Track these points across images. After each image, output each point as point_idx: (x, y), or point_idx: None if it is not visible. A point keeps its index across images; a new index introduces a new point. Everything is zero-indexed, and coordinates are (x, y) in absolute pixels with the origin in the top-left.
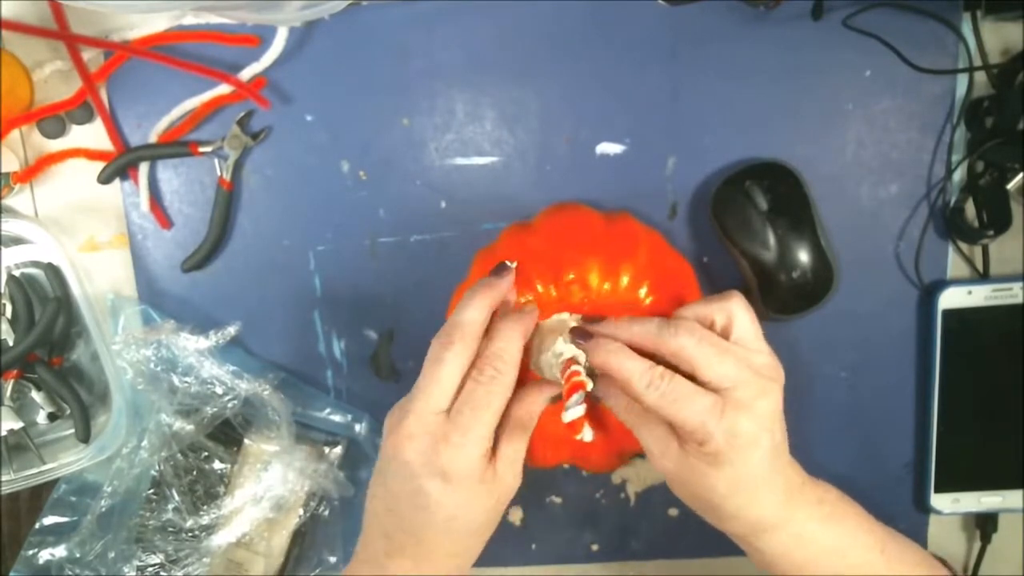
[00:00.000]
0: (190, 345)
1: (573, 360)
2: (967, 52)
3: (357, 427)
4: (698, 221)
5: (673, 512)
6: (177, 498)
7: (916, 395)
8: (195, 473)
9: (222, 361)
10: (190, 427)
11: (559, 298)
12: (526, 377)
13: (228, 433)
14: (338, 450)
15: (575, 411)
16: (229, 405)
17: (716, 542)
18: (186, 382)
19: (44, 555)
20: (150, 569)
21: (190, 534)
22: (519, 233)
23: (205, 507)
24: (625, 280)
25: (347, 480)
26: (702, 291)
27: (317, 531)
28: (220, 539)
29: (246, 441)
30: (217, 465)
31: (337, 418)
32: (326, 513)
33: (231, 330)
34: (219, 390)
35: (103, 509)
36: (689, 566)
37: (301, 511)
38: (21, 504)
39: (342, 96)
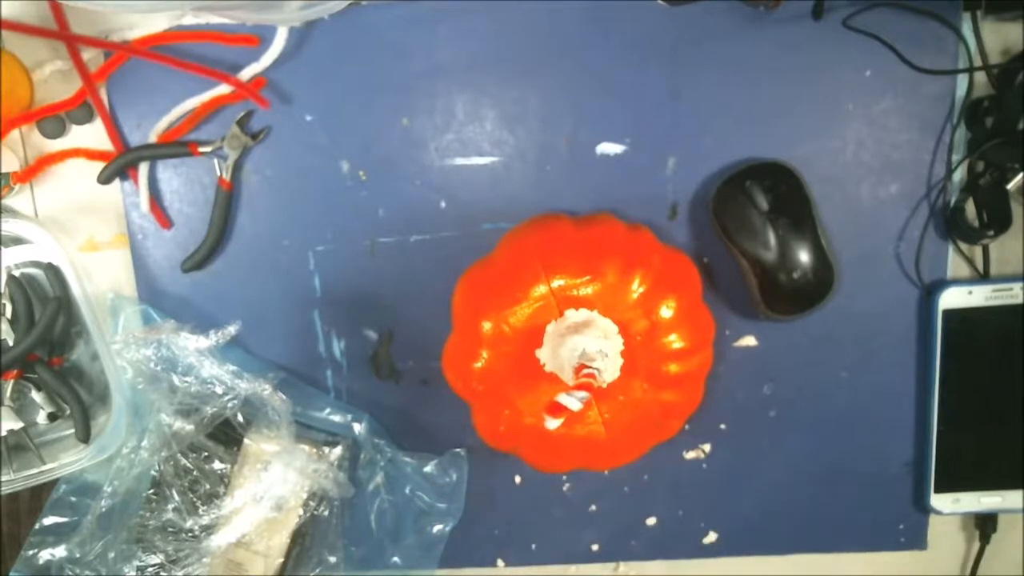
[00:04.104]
0: (190, 345)
1: (588, 363)
2: (967, 52)
3: (357, 427)
4: (698, 221)
5: (674, 512)
6: (177, 498)
7: (916, 395)
8: (195, 473)
9: (222, 361)
10: (190, 427)
11: (565, 296)
12: (541, 377)
13: (228, 433)
14: (338, 450)
15: (574, 403)
16: (229, 405)
17: (715, 543)
18: (186, 382)
19: (44, 555)
20: (150, 569)
21: (190, 534)
22: (515, 237)
23: (205, 507)
24: (611, 276)
25: (347, 480)
26: (704, 288)
27: (317, 531)
28: (220, 539)
29: (246, 441)
30: (217, 465)
31: (337, 418)
32: (326, 513)
33: (231, 330)
34: (219, 390)
35: (103, 509)
36: (689, 566)
37: (301, 511)
38: (21, 504)
39: (342, 96)
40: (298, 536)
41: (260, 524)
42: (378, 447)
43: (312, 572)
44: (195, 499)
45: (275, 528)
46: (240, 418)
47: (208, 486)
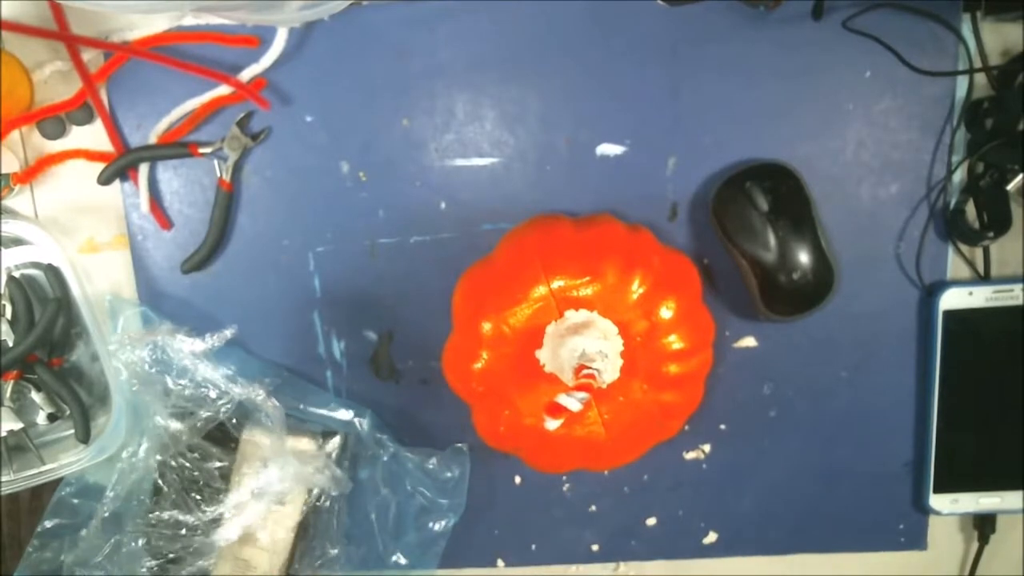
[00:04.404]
0: (185, 347)
1: (588, 363)
2: (967, 53)
3: (359, 423)
4: (698, 222)
5: (674, 512)
6: (179, 497)
7: (916, 395)
8: (195, 472)
9: (218, 364)
10: (185, 429)
11: (565, 297)
12: (541, 377)
13: (225, 432)
14: (336, 440)
15: (573, 404)
16: (223, 409)
17: (715, 543)
18: (180, 384)
19: (48, 557)
20: (156, 568)
21: (195, 532)
22: (515, 237)
23: (207, 505)
24: (611, 277)
25: (344, 476)
26: (704, 289)
27: (319, 523)
28: (224, 534)
29: (243, 438)
30: (216, 464)
31: (339, 414)
32: (327, 504)
33: (227, 333)
34: (213, 394)
35: (107, 511)
36: (689, 566)
37: (303, 504)
38: (21, 505)
39: (342, 96)
40: (302, 530)
41: (263, 519)
42: (380, 442)
43: (315, 563)
44: (197, 497)
45: (278, 523)
46: (234, 420)
47: (209, 484)
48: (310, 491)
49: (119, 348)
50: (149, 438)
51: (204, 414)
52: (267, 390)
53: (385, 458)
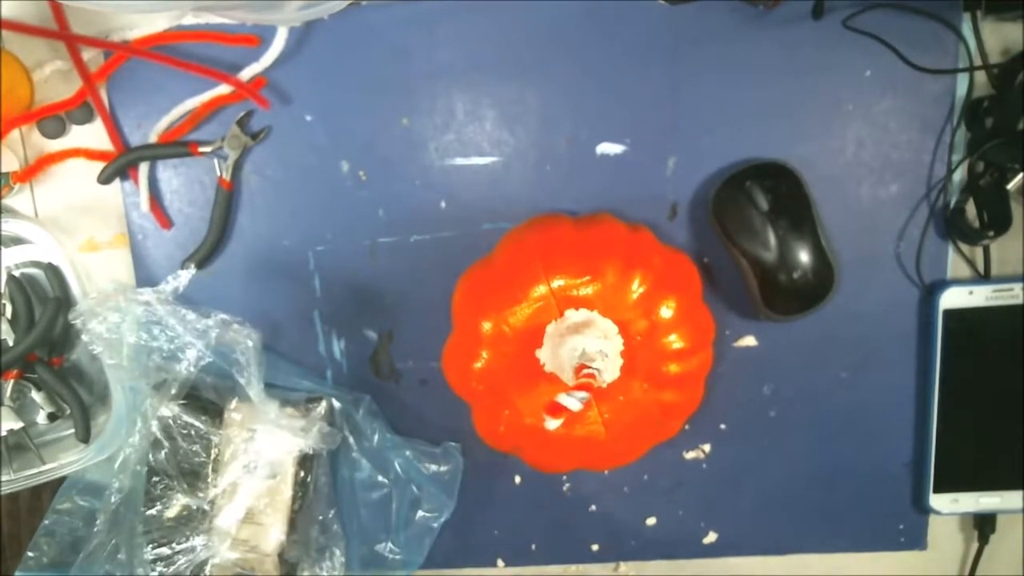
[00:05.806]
0: (147, 298)
1: (588, 363)
2: (967, 52)
3: (355, 410)
4: (698, 221)
5: (674, 512)
6: (177, 483)
7: (916, 395)
8: (187, 456)
9: (185, 307)
10: (169, 401)
11: (565, 296)
12: (541, 377)
13: (208, 406)
14: (321, 406)
15: (573, 403)
16: (195, 363)
17: (715, 543)
18: (156, 341)
19: (49, 556)
20: (162, 560)
21: (198, 514)
22: (515, 237)
23: (203, 488)
24: (611, 276)
25: (332, 429)
26: (704, 288)
27: (316, 493)
28: (228, 516)
29: (228, 409)
30: (205, 444)
31: (336, 401)
32: (322, 477)
33: (187, 273)
34: (190, 352)
35: (110, 508)
36: (689, 566)
37: (295, 473)
38: (21, 504)
39: (342, 96)
40: (296, 498)
41: (260, 495)
42: (376, 429)
43: (311, 547)
44: (192, 481)
45: (273, 498)
46: (212, 391)
47: (201, 466)
48: (299, 464)
49: (88, 316)
50: (142, 428)
51: (183, 373)
52: (239, 321)
53: (378, 443)
